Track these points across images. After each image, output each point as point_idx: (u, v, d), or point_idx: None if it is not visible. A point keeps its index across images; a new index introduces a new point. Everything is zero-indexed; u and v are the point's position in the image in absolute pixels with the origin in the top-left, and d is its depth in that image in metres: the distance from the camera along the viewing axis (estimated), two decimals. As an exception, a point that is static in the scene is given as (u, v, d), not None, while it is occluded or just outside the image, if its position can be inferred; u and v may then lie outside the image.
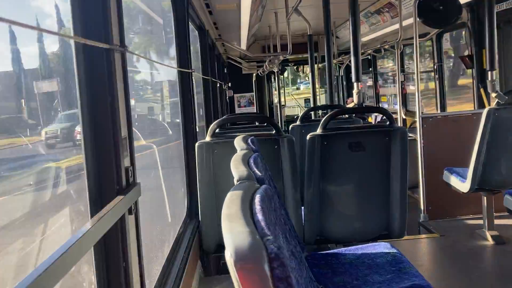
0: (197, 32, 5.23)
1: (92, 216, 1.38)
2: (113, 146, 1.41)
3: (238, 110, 13.09)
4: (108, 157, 1.41)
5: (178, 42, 3.28)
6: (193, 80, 3.47)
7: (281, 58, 8.35)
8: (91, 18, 1.31)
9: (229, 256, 0.86)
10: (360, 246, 3.00)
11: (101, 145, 1.40)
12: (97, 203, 1.40)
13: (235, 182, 1.56)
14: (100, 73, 1.35)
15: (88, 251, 1.39)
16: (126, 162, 1.49)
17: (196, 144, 3.10)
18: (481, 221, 4.63)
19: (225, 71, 11.82)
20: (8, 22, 0.95)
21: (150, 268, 2.53)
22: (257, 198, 1.20)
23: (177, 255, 2.66)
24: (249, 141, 2.46)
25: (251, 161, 1.90)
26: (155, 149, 3.26)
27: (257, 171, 1.72)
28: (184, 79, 3.32)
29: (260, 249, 0.89)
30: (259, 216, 1.07)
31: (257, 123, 4.82)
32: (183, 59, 3.32)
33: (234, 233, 0.92)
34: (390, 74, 11.01)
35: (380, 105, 10.77)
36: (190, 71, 3.37)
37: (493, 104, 4.18)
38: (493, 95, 4.19)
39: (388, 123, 3.19)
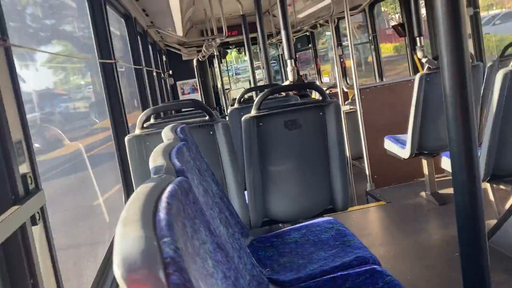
0: (123, 20, 4.98)
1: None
2: (3, 151, 1.26)
3: (182, 97, 12.83)
4: (-1, 164, 1.26)
5: (96, 31, 3.08)
6: (118, 70, 3.28)
7: (218, 41, 8.20)
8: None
9: (116, 269, 0.74)
10: (304, 223, 2.98)
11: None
12: (-9, 216, 1.25)
13: (152, 177, 1.45)
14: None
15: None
16: (22, 168, 1.34)
17: (126, 138, 2.94)
18: (423, 184, 4.75)
19: (164, 59, 11.49)
20: None
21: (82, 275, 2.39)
22: (165, 194, 1.09)
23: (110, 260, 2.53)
24: (178, 130, 2.34)
25: (173, 151, 1.78)
26: (82, 148, 3.07)
27: (177, 163, 1.60)
28: (107, 71, 3.13)
29: (153, 255, 0.79)
30: (162, 215, 0.97)
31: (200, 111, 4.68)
32: (104, 49, 3.12)
33: (124, 242, 0.80)
34: (331, 49, 11.11)
35: (322, 79, 10.86)
36: (113, 61, 3.18)
37: (425, 69, 4.25)
38: (423, 60, 4.26)
39: (321, 98, 3.15)
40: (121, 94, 3.29)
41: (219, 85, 14.17)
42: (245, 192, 3.27)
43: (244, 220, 3.20)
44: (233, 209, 2.62)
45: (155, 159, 1.58)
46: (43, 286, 1.33)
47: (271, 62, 14.40)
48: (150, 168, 1.50)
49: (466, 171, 1.55)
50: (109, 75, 3.15)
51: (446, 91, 1.54)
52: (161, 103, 7.32)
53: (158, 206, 1.03)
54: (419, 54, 4.29)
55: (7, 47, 1.33)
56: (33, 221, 1.33)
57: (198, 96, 12.98)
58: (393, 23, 8.86)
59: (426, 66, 4.23)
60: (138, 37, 5.53)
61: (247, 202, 3.26)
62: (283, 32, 3.82)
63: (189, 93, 13.36)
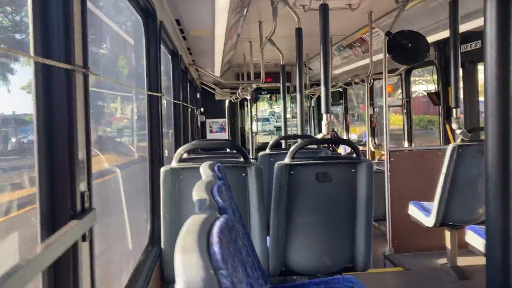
0: (170, 56, 5.21)
1: (42, 240, 1.31)
2: (69, 169, 1.35)
3: (209, 136, 13.05)
4: (63, 180, 1.35)
5: (149, 65, 3.25)
6: (162, 104, 3.43)
7: (254, 86, 8.42)
8: (52, 36, 1.27)
9: None
10: (324, 279, 2.97)
11: (56, 167, 1.34)
12: (48, 227, 1.33)
13: (196, 211, 1.52)
14: (60, 94, 1.31)
15: (36, 278, 1.31)
16: (82, 186, 1.43)
17: (162, 169, 3.03)
18: (445, 256, 4.68)
19: (198, 96, 11.81)
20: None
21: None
22: (216, 229, 1.16)
23: (136, 284, 2.56)
24: (215, 168, 2.42)
25: (215, 189, 1.86)
26: (119, 172, 3.18)
27: (219, 200, 1.68)
28: (153, 103, 3.28)
29: (213, 284, 0.86)
30: (215, 248, 1.04)
31: (228, 150, 4.79)
32: (153, 83, 3.28)
33: (186, 267, 0.88)
34: (360, 106, 11.25)
35: (349, 136, 10.94)
36: (159, 95, 3.33)
37: (458, 140, 4.29)
38: (458, 131, 4.31)
39: (354, 155, 3.21)
40: (161, 126, 3.42)
41: (246, 128, 14.37)
42: (267, 238, 3.29)
43: (263, 266, 3.20)
44: (256, 254, 2.65)
45: (199, 194, 1.65)
46: (82, 301, 1.38)
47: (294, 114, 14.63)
48: (195, 200, 1.57)
49: (501, 248, 1.57)
50: (154, 107, 3.29)
51: (488, 166, 1.59)
52: (190, 138, 7.49)
53: (210, 239, 1.11)
54: (454, 125, 4.34)
55: (86, 74, 1.45)
56: (83, 238, 1.40)
57: (225, 135, 13.19)
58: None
59: (460, 137, 4.26)
60: (180, 74, 5.75)
61: (268, 248, 3.27)
62: (322, 88, 3.94)
63: (216, 132, 13.59)
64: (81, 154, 1.43)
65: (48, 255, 1.15)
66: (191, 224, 1.15)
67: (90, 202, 1.49)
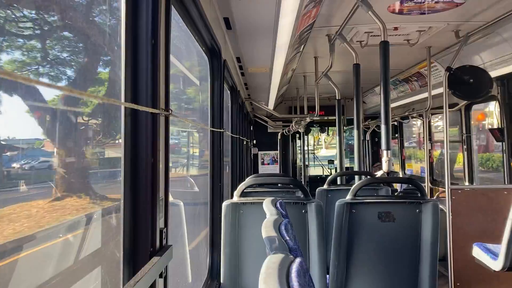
0: (229, 91, 5.36)
1: (124, 278, 1.36)
2: (151, 206, 1.41)
3: (261, 168, 13.11)
4: (145, 217, 1.41)
5: (212, 102, 3.36)
6: (223, 139, 3.52)
7: (308, 120, 8.44)
8: (140, 84, 1.36)
9: None
10: (386, 322, 2.87)
11: (139, 205, 1.40)
12: (130, 264, 1.39)
13: (267, 251, 1.54)
14: (146, 136, 1.38)
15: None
16: (161, 223, 1.48)
17: (224, 204, 3.09)
18: (513, 303, 4.39)
19: (251, 128, 11.97)
20: (64, 90, 0.99)
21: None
22: (294, 274, 1.17)
23: (196, 319, 2.58)
24: (277, 204, 2.44)
25: (282, 228, 1.87)
26: (182, 206, 3.25)
27: (289, 241, 1.69)
28: (215, 138, 3.37)
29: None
30: (298, 293, 1.04)
31: (279, 184, 4.80)
32: (216, 120, 3.38)
33: None
34: (415, 140, 10.98)
35: (405, 172, 10.65)
36: (222, 130, 3.42)
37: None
38: (527, 171, 4.10)
39: (418, 194, 3.13)
40: (222, 161, 3.50)
41: (298, 160, 14.34)
42: (327, 276, 3.23)
43: None
44: (316, 293, 2.61)
45: (269, 234, 1.67)
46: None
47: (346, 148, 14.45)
48: (265, 242, 1.59)
49: None
50: (216, 142, 3.38)
51: None
52: (244, 171, 7.56)
53: (290, 283, 1.12)
54: (523, 163, 4.14)
55: (167, 116, 1.53)
56: (160, 275, 1.45)
57: (277, 168, 13.21)
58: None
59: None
60: (238, 108, 5.88)
61: (327, 286, 3.21)
62: (382, 125, 3.89)
63: (268, 164, 13.64)
64: (161, 192, 1.49)
65: None
66: (270, 267, 1.16)
67: (167, 239, 1.54)
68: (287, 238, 1.72)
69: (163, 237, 1.49)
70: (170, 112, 1.53)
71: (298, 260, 1.40)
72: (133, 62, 1.36)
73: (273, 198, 2.55)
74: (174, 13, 2.18)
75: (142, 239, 1.40)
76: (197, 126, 3.72)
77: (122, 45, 1.36)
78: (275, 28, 3.55)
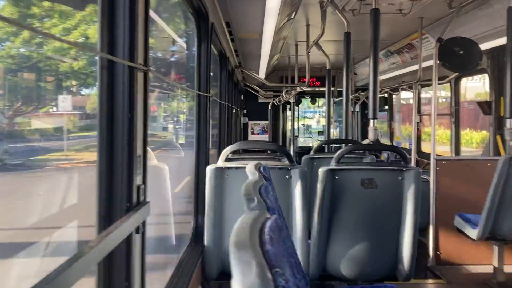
0: (218, 57, 5.30)
1: (99, 231, 1.37)
2: (128, 163, 1.41)
3: (251, 137, 13.12)
4: (122, 173, 1.41)
5: (199, 67, 3.32)
6: (210, 104, 3.50)
7: (298, 89, 8.41)
8: (118, 36, 1.34)
9: (235, 285, 0.84)
10: (365, 286, 2.94)
11: (116, 161, 1.40)
12: (105, 219, 1.39)
13: (245, 209, 1.55)
14: (122, 90, 1.37)
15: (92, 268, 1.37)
16: (138, 180, 1.48)
17: (208, 168, 3.09)
18: (490, 271, 4.51)
19: (242, 97, 11.91)
20: (41, 34, 0.97)
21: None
22: (267, 228, 1.18)
23: (178, 280, 2.62)
24: (261, 168, 2.45)
25: (262, 189, 1.88)
26: (166, 169, 3.26)
27: (267, 200, 1.70)
28: (202, 103, 3.34)
29: (268, 281, 0.87)
30: (269, 246, 1.05)
31: (269, 152, 4.81)
32: (203, 84, 3.35)
33: (242, 262, 0.90)
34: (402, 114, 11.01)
35: (394, 143, 10.72)
36: (208, 95, 3.40)
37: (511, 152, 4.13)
38: (511, 143, 4.15)
39: (402, 162, 3.16)
40: (209, 126, 3.49)
41: (287, 130, 14.35)
42: (309, 241, 3.28)
43: (303, 270, 3.20)
44: (297, 256, 2.65)
45: (248, 194, 1.68)
46: (134, 290, 1.44)
47: (337, 118, 14.46)
48: (244, 200, 1.60)
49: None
50: (202, 107, 3.36)
51: None
52: (233, 138, 7.57)
53: (263, 237, 1.13)
54: (508, 136, 4.18)
55: (146, 72, 1.51)
56: (137, 230, 1.46)
57: (266, 138, 13.23)
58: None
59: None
60: (227, 75, 5.83)
61: (309, 251, 3.26)
62: (370, 93, 3.88)
63: (258, 134, 13.67)
64: (139, 149, 1.49)
65: (105, 246, 1.20)
66: (244, 222, 1.17)
67: (145, 196, 1.55)
68: (266, 198, 1.73)
69: (141, 193, 1.49)
70: (149, 68, 1.51)
71: (274, 217, 1.41)
72: (110, 13, 1.33)
73: (257, 162, 2.56)
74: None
75: (118, 194, 1.40)
76: (182, 89, 3.69)
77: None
78: (264, -9, 3.49)
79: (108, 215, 1.40)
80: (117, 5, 1.33)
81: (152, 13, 2.91)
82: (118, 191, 1.40)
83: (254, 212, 1.32)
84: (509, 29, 4.12)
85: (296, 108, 13.51)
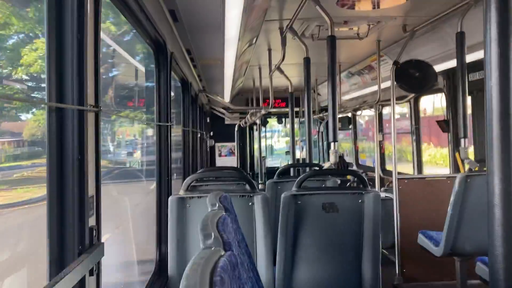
0: (180, 84, 5.31)
1: (51, 277, 1.34)
2: (79, 204, 1.39)
3: (218, 160, 13.10)
4: (73, 216, 1.39)
5: (159, 96, 3.32)
6: (171, 133, 3.49)
7: (263, 112, 8.49)
8: (66, 81, 1.33)
9: None
10: (331, 310, 2.95)
11: (66, 204, 1.38)
12: (57, 263, 1.37)
13: (201, 246, 1.55)
14: (72, 133, 1.36)
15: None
16: (91, 221, 1.47)
17: (170, 198, 3.07)
18: (455, 286, 4.61)
19: (207, 120, 11.92)
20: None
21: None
22: (219, 268, 1.19)
23: (142, 314, 2.57)
24: (221, 198, 2.45)
25: (220, 222, 1.89)
26: (127, 202, 3.22)
27: (224, 235, 1.70)
28: (162, 133, 3.34)
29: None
30: (219, 288, 1.06)
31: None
32: (163, 113, 3.35)
33: None
34: (369, 132, 11.25)
35: (359, 162, 10.92)
36: (168, 124, 3.39)
37: (466, 170, 4.27)
38: (466, 161, 4.30)
39: (361, 185, 3.22)
40: (170, 155, 3.47)
41: (255, 151, 14.40)
42: (274, 267, 3.28)
43: None
44: (262, 284, 2.65)
45: (204, 229, 1.68)
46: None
47: (302, 138, 14.65)
48: (200, 236, 1.60)
49: (505, 282, 1.56)
50: (163, 136, 3.35)
51: (492, 197, 1.59)
52: (199, 162, 7.54)
53: (213, 278, 1.13)
54: (462, 155, 4.33)
55: (98, 112, 1.51)
56: (91, 272, 1.44)
57: (234, 159, 13.23)
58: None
59: (467, 167, 4.25)
60: (190, 101, 5.84)
61: (275, 277, 3.26)
62: (330, 118, 3.96)
63: (225, 155, 13.66)
64: (91, 190, 1.47)
65: None
66: (195, 263, 1.18)
67: (99, 237, 1.53)
68: (223, 232, 1.73)
69: (94, 234, 1.48)
70: (99, 108, 1.51)
71: (228, 254, 1.42)
72: (57, 58, 1.33)
73: (217, 191, 2.56)
74: (111, 6, 2.14)
75: (70, 237, 1.38)
76: (140, 122, 3.67)
77: (46, 41, 1.33)
78: (222, 21, 3.55)
79: (59, 260, 1.37)
80: (65, 49, 1.34)
81: (109, 41, 2.90)
82: (70, 233, 1.38)
83: (207, 251, 1.33)
84: (458, 53, 4.31)
85: (263, 128, 13.62)
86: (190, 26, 3.72)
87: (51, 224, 1.37)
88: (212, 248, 1.42)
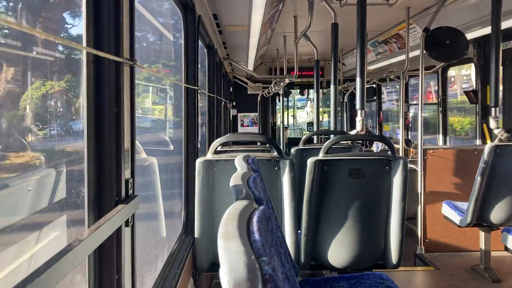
0: (206, 49, 5.28)
1: (89, 225, 1.38)
2: (116, 157, 1.42)
3: (240, 129, 13.13)
4: (110, 167, 1.42)
5: (187, 59, 3.31)
6: (198, 97, 3.50)
7: (287, 81, 8.42)
8: (103, 30, 1.34)
9: (223, 275, 0.86)
10: (354, 274, 2.98)
11: (103, 155, 1.41)
12: (95, 212, 1.41)
13: (234, 201, 1.57)
14: (109, 85, 1.37)
15: (83, 261, 1.38)
16: (127, 173, 1.49)
17: (197, 161, 3.10)
18: (478, 256, 4.60)
19: (231, 90, 11.90)
20: (24, 29, 0.97)
21: (142, 282, 2.51)
22: (255, 218, 1.20)
23: (170, 272, 2.64)
24: (249, 160, 2.47)
25: (251, 180, 1.90)
26: (155, 162, 3.26)
27: (255, 191, 1.72)
28: (190, 96, 3.34)
29: (255, 270, 0.89)
30: (256, 236, 1.07)
31: (258, 144, 4.83)
32: (190, 76, 3.35)
33: (229, 252, 0.92)
34: (394, 103, 11.08)
35: (382, 134, 10.80)
36: (196, 88, 3.40)
37: (496, 140, 4.19)
38: (496, 131, 4.21)
39: (389, 152, 3.19)
40: (197, 119, 3.49)
41: (278, 122, 14.37)
42: (298, 232, 3.31)
43: (293, 259, 3.23)
44: (287, 246, 2.68)
45: (236, 185, 1.70)
46: (124, 281, 1.45)
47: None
48: (232, 192, 1.62)
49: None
50: (190, 100, 3.36)
51: None
52: (222, 131, 7.57)
53: (250, 227, 1.15)
54: (493, 124, 4.23)
55: (133, 66, 1.52)
56: (126, 223, 1.47)
57: (256, 129, 13.24)
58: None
59: (498, 137, 4.17)
60: (215, 67, 5.82)
61: (298, 242, 3.30)
62: (358, 84, 3.92)
63: (247, 126, 13.67)
64: (126, 143, 1.50)
65: (95, 239, 1.21)
66: (232, 213, 1.19)
67: (134, 189, 1.56)
68: (254, 189, 1.75)
69: (129, 187, 1.51)
70: (135, 62, 1.52)
71: (261, 207, 1.43)
72: (94, 8, 1.34)
73: (245, 154, 2.58)
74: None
75: (107, 188, 1.41)
76: (170, 81, 3.68)
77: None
78: (250, -17, 3.49)
79: (97, 209, 1.41)
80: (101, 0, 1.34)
81: (138, 6, 2.89)
82: (107, 185, 1.42)
83: (241, 202, 1.34)
84: (493, 18, 4.16)
85: (285, 99, 13.54)
86: (218, -12, 3.67)
87: (89, 174, 1.40)
88: (247, 201, 1.43)
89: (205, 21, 4.16)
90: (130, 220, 1.50)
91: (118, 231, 1.42)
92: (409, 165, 6.32)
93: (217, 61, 6.13)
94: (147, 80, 3.77)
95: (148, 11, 3.44)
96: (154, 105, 4.20)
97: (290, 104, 16.69)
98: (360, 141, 6.27)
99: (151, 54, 3.59)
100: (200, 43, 4.85)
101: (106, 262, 1.40)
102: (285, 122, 13.29)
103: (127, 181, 1.49)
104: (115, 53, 1.36)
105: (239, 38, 6.40)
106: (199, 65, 5.20)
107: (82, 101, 1.38)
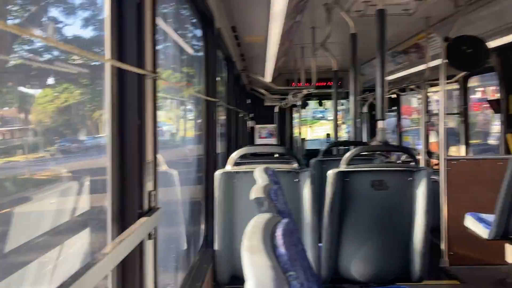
0: (225, 62, 5.31)
1: (113, 238, 1.38)
2: (138, 169, 1.41)
3: (258, 141, 13.11)
4: (133, 180, 1.42)
5: (206, 72, 3.33)
6: (217, 109, 3.50)
7: (305, 92, 8.40)
8: (126, 43, 1.35)
9: None
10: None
11: (127, 168, 1.41)
12: (118, 225, 1.40)
13: (257, 213, 1.55)
14: (132, 97, 1.37)
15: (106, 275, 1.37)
16: (149, 186, 1.49)
17: (216, 173, 3.09)
18: (505, 270, 4.47)
19: (248, 101, 11.93)
20: (49, 42, 0.97)
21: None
22: (279, 232, 1.18)
23: (190, 285, 2.62)
24: (269, 172, 2.44)
25: (272, 193, 1.88)
26: (176, 175, 3.26)
27: (278, 204, 1.70)
28: (210, 108, 3.35)
29: (283, 286, 0.87)
30: (282, 250, 1.05)
31: (276, 155, 4.81)
32: (210, 89, 3.36)
33: (256, 267, 0.90)
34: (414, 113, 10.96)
35: (402, 144, 10.67)
36: (216, 100, 3.40)
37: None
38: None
39: (412, 163, 3.14)
40: (216, 131, 3.49)
41: (295, 133, 14.32)
42: (319, 245, 3.27)
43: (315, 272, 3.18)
44: (308, 259, 2.63)
45: (259, 197, 1.68)
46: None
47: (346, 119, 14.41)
48: (254, 202, 1.60)
49: None
50: (210, 112, 3.37)
51: None
52: (240, 143, 7.57)
53: (274, 241, 1.12)
54: (517, 134, 4.14)
55: (155, 79, 1.52)
56: (149, 236, 1.46)
57: (273, 141, 13.21)
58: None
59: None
60: (234, 80, 5.85)
61: (320, 255, 3.25)
62: (378, 94, 3.87)
63: (265, 137, 13.65)
64: (149, 155, 1.49)
65: (119, 252, 1.20)
66: (255, 226, 1.17)
67: (156, 201, 1.55)
68: (276, 202, 1.73)
69: (152, 199, 1.50)
70: (157, 74, 1.52)
71: (285, 220, 1.41)
72: (118, 21, 1.35)
73: (265, 166, 2.56)
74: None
75: (130, 200, 1.41)
76: (190, 94, 3.70)
77: (107, 4, 1.34)
78: (269, -5, 3.50)
79: (121, 222, 1.40)
80: (125, 12, 1.35)
81: (159, 20, 2.92)
82: (130, 197, 1.41)
83: (265, 215, 1.32)
84: None
85: (303, 110, 13.49)
86: (237, 0, 3.69)
87: (113, 186, 1.40)
88: (268, 214, 1.41)
89: (224, 34, 4.18)
90: (152, 233, 1.49)
91: (141, 244, 1.41)
92: (432, 176, 6.21)
93: (236, 73, 6.15)
94: (165, 92, 3.80)
95: (168, 24, 3.47)
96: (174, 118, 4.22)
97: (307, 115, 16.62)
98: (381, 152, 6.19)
99: (170, 67, 3.62)
100: (219, 55, 4.88)
101: (130, 276, 1.39)
102: (303, 134, 13.24)
103: (150, 193, 1.48)
104: (138, 66, 1.36)
105: (257, 50, 6.43)
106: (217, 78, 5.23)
107: (105, 114, 1.38)
